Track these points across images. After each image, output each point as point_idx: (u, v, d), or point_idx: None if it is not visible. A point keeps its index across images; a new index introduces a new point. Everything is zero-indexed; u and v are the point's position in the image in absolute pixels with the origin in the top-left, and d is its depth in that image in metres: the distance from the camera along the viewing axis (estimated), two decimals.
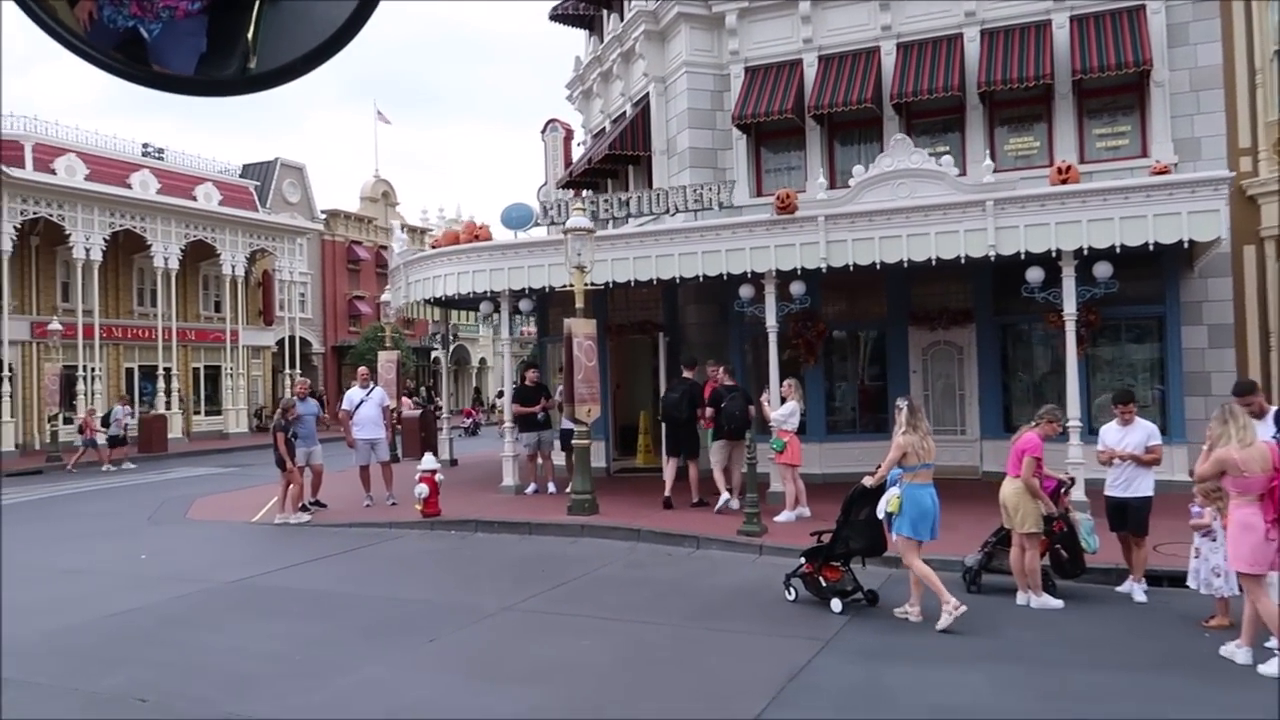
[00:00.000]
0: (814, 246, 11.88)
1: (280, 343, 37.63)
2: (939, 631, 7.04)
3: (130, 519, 14.16)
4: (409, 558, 10.68)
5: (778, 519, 11.22)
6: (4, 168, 24.99)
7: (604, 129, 18.65)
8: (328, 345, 41.27)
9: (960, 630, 7.04)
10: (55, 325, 25.42)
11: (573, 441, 12.19)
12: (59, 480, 20.60)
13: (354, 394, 14.03)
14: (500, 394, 33.96)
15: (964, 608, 7.14)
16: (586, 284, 12.05)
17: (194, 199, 32.09)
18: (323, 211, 40.59)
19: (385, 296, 21.33)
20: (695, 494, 12.56)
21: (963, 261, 11.40)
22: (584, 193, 17.86)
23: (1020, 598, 7.95)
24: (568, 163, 19.94)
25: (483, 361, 51.48)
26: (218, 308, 35.38)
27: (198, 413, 33.29)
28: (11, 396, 25.77)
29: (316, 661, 6.72)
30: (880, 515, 7.74)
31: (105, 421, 23.59)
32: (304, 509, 13.28)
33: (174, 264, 30.53)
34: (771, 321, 12.39)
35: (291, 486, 13.15)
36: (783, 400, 11.85)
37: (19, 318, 27.42)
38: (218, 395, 34.93)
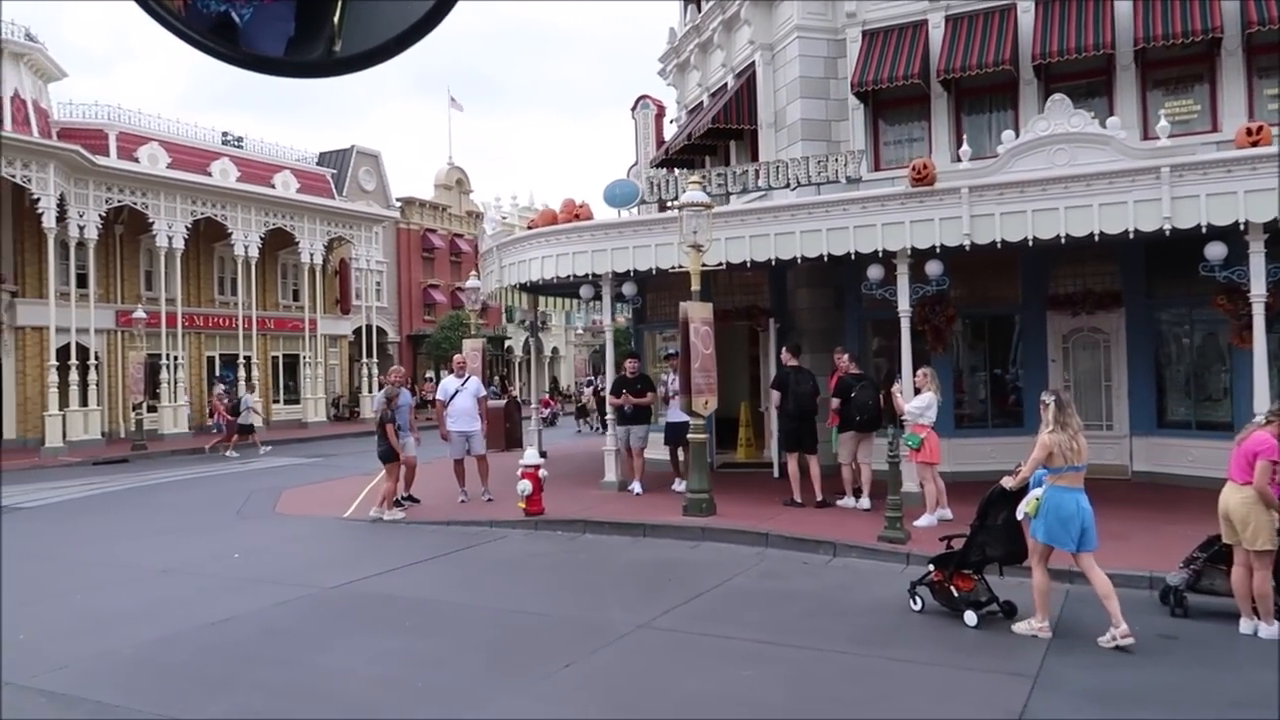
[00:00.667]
0: (955, 222, 10.71)
1: (357, 331, 37.45)
2: (1112, 649, 6.26)
3: (218, 512, 13.62)
4: (517, 561, 9.84)
5: (917, 523, 10.12)
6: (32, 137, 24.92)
7: (701, 103, 17.61)
8: (403, 334, 41.01)
9: (1184, 662, 5.93)
10: (140, 313, 25.32)
11: (688, 436, 11.22)
12: (145, 469, 20.36)
13: (449, 383, 13.26)
14: (588, 384, 33.29)
15: (1048, 632, 6.66)
16: (702, 265, 11.08)
17: (272, 186, 31.94)
18: (397, 199, 40.28)
19: (471, 282, 20.62)
20: (819, 493, 11.53)
21: (1131, 236, 10.14)
22: (678, 172, 16.87)
23: (1245, 625, 6.76)
24: (660, 141, 18.96)
25: (555, 351, 50.91)
26: (296, 296, 35.27)
27: (276, 401, 33.19)
28: (98, 385, 25.78)
29: (441, 690, 5.88)
30: (1019, 517, 6.87)
31: (235, 410, 23.94)
32: (398, 504, 12.59)
33: (254, 252, 30.36)
34: (905, 305, 11.27)
35: (387, 482, 12.50)
36: (916, 391, 10.73)
37: (104, 306, 27.48)
38: (296, 384, 34.86)
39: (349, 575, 9.07)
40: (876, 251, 11.18)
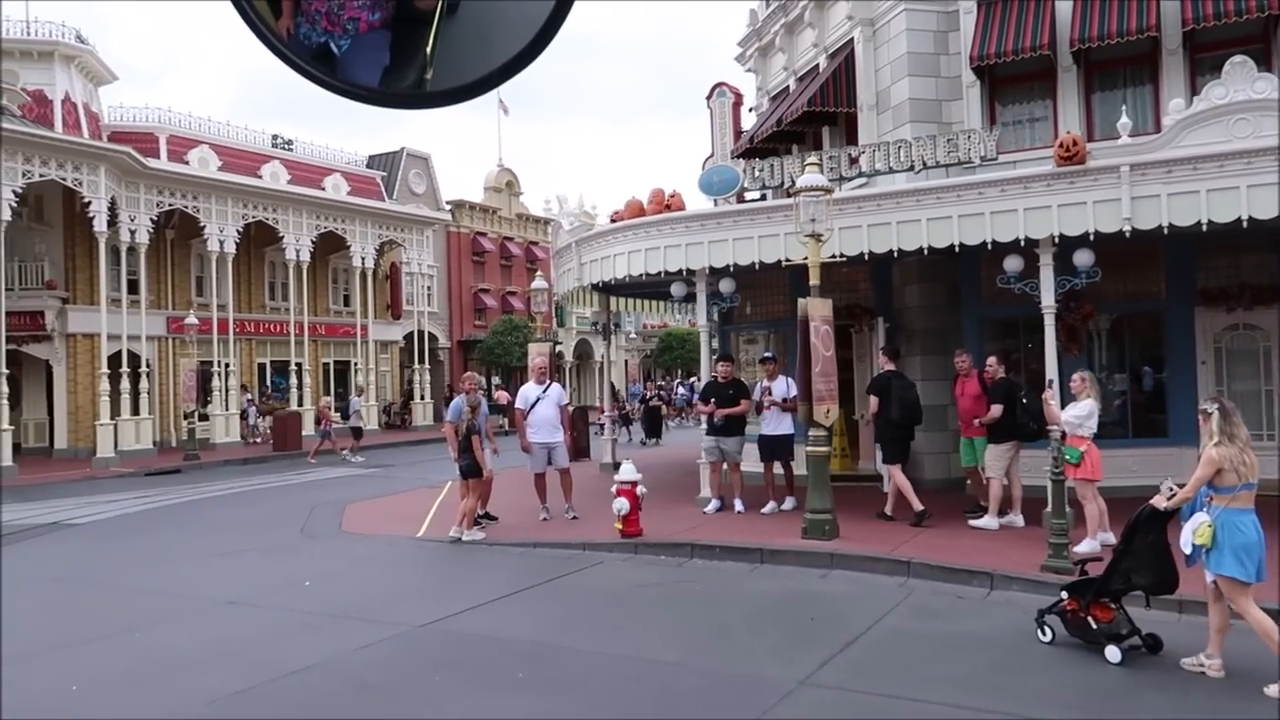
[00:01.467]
0: (1113, 205, 9.40)
1: (407, 337, 36.65)
2: None
3: (281, 530, 12.64)
4: (624, 593, 8.68)
5: (1078, 549, 8.79)
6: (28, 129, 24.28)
7: (787, 88, 16.40)
8: (453, 340, 40.16)
9: None
10: (192, 319, 24.62)
11: (809, 449, 9.99)
12: (198, 480, 19.53)
13: (529, 390, 12.17)
14: (654, 390, 32.05)
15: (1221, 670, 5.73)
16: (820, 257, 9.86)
17: (323, 189, 31.20)
18: (446, 203, 39.45)
19: (537, 283, 19.56)
20: (890, 506, 10.66)
21: None
22: (757, 162, 15.66)
23: None
24: (737, 131, 17.77)
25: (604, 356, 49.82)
26: (346, 301, 34.56)
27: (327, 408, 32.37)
28: (149, 393, 25.10)
29: None
30: (1185, 549, 5.84)
31: (345, 414, 24.48)
32: (477, 523, 11.53)
33: (305, 256, 29.62)
34: (1049, 300, 9.97)
35: (466, 497, 11.46)
36: (1072, 398, 9.43)
37: (155, 313, 26.85)
38: (346, 391, 34.06)
39: (438, 610, 7.96)
40: (1017, 240, 9.90)
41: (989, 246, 10.09)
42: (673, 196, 12.00)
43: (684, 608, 8.16)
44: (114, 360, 23.85)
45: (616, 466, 19.98)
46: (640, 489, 10.24)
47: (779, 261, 10.96)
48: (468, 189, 41.65)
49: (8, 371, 20.98)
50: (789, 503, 11.58)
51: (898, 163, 11.02)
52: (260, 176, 29.34)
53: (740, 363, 14.69)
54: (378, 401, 33.30)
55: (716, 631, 7.31)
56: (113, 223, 23.99)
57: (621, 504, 10.05)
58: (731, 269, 11.37)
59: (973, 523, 10.30)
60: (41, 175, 22.06)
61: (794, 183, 10.64)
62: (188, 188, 26.31)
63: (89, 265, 25.41)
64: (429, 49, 1.23)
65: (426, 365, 35.18)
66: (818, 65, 15.24)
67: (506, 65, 1.25)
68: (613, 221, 12.88)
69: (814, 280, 9.84)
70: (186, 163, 27.35)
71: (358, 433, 24.28)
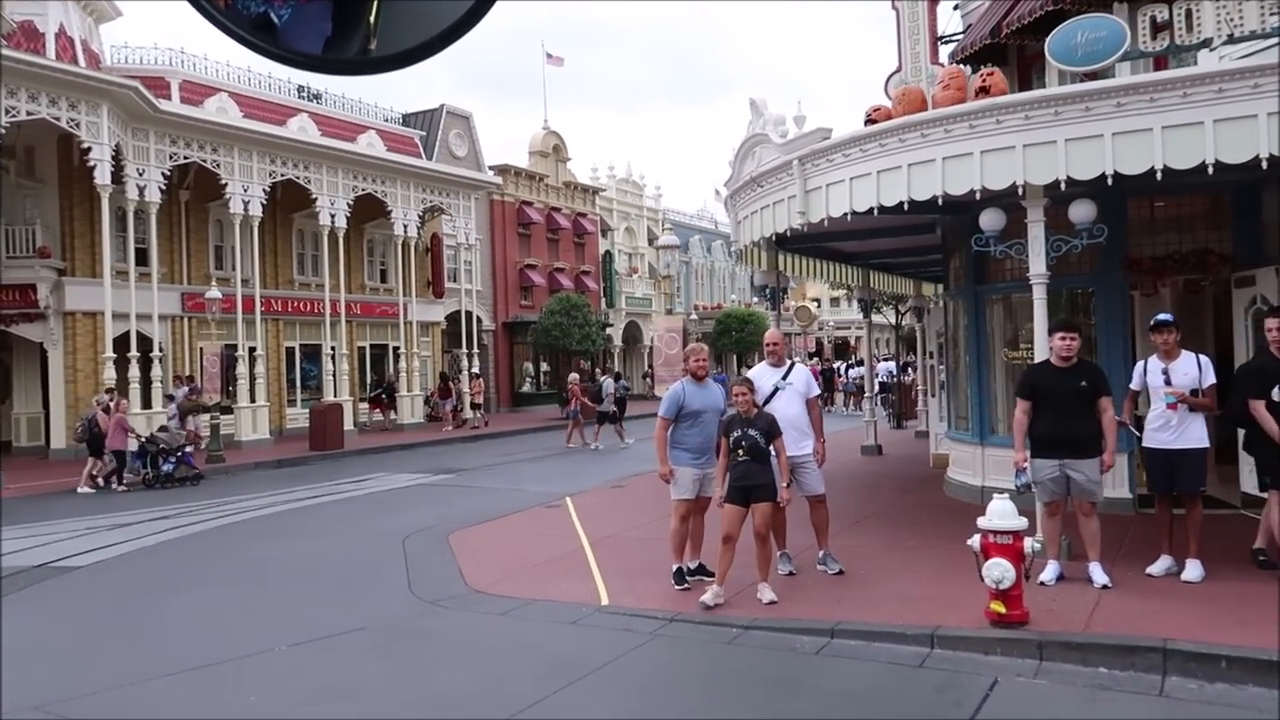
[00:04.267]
0: None
1: (450, 318, 32.51)
2: None
3: (378, 587, 8.46)
4: None
5: None
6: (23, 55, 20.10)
7: None
8: (498, 321, 35.94)
9: None
10: (214, 293, 20.44)
11: None
12: (225, 490, 15.36)
13: (761, 374, 7.98)
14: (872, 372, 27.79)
15: None
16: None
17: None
18: (489, 167, 35.15)
19: (665, 239, 15.11)
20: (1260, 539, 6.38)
21: None
22: (970, 69, 11.38)
23: None
24: (934, 38, 13.44)
25: (654, 340, 45.57)
26: (384, 277, 30.38)
27: (363, 400, 28.25)
28: (162, 381, 20.94)
29: None
30: None
31: (598, 397, 22.36)
32: (691, 578, 7.46)
33: (341, 221, 25.39)
34: None
35: (675, 529, 7.39)
36: None
37: (168, 288, 22.65)
38: (383, 379, 29.94)
39: None
40: None
41: None
42: (990, 74, 7.75)
43: None
44: (120, 343, 19.74)
45: (878, 450, 15.88)
46: (1030, 544, 6.01)
47: (1199, 167, 6.72)
48: (508, 154, 37.49)
49: None
50: (1194, 570, 7.00)
51: None
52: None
53: (1012, 340, 10.46)
54: (422, 391, 29.10)
55: None
56: (118, 178, 19.80)
57: (1002, 571, 5.83)
58: (1109, 178, 7.08)
59: None
60: (30, 113, 17.87)
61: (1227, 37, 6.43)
62: (206, 137, 22.06)
63: (90, 230, 21.25)
64: (372, 17, 1.24)
65: (475, 350, 31.00)
66: None
67: (447, 31, 1.25)
68: (872, 123, 8.62)
69: None
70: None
71: (606, 418, 21.85)
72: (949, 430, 11.87)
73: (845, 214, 8.59)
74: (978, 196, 7.61)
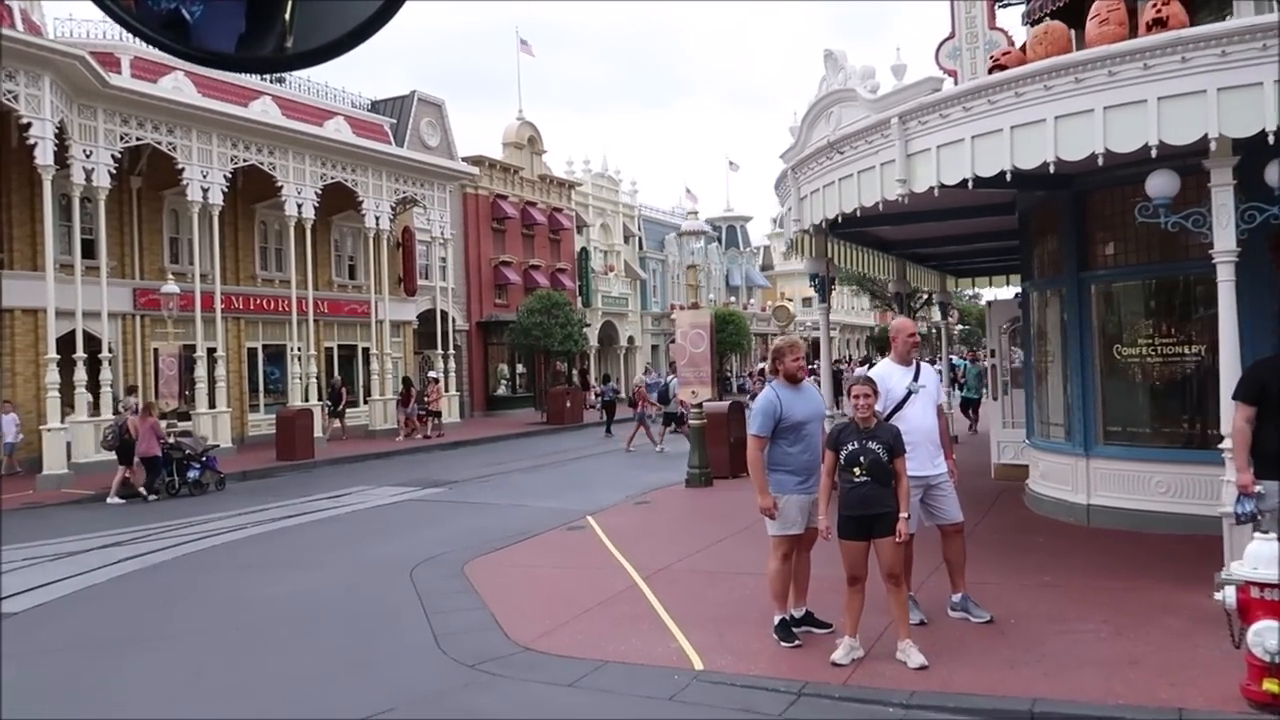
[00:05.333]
0: None
1: (422, 317, 30.65)
2: None
3: (395, 639, 6.79)
4: None
5: None
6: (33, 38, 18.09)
7: None
8: (472, 321, 34.11)
9: None
10: (171, 288, 18.49)
11: None
12: (186, 508, 13.48)
13: (888, 373, 6.42)
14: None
15: None
16: None
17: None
18: (463, 159, 33.31)
19: (689, 224, 13.57)
20: None
21: None
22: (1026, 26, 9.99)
23: None
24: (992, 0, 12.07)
25: (630, 341, 44.05)
26: (352, 273, 28.45)
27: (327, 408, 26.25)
28: (112, 385, 18.91)
29: None
30: None
31: (664, 397, 20.91)
32: (789, 629, 5.93)
33: (308, 212, 23.46)
34: None
35: (776, 571, 5.84)
36: None
37: (118, 283, 20.62)
38: (353, 383, 28.06)
39: None
40: None
41: None
42: (1165, 3, 6.30)
43: None
44: (65, 343, 17.70)
45: None
46: None
47: None
48: (481, 146, 35.63)
49: None
50: None
51: None
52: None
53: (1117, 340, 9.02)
54: (394, 394, 27.24)
55: None
56: (62, 160, 17.77)
57: (1273, 634, 4.36)
58: None
59: None
60: None
61: None
62: (161, 117, 20.05)
63: (30, 218, 19.15)
64: (288, 15, 1.22)
65: (450, 351, 29.19)
66: None
67: (361, 26, 1.24)
68: (998, 69, 7.12)
69: None
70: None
71: (673, 419, 20.35)
72: (1031, 438, 10.44)
73: (966, 180, 7.09)
74: (1153, 154, 6.13)
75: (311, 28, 1.24)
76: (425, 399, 25.70)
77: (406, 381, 26.75)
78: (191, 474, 15.62)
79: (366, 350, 27.88)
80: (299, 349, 24.05)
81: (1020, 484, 10.93)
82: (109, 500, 14.75)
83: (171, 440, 15.94)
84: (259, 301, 24.82)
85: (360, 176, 25.26)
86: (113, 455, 15.76)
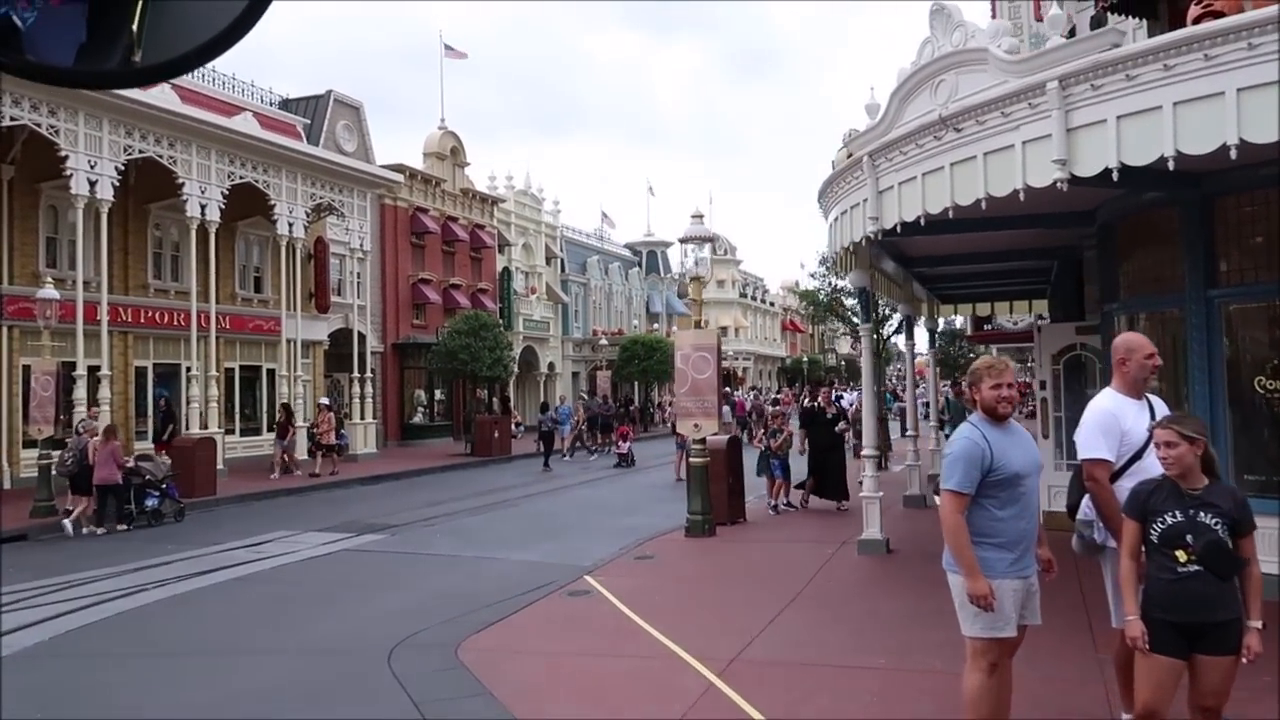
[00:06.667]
0: None
1: (335, 336, 27.95)
2: None
3: None
4: None
5: None
6: None
7: None
8: (387, 342, 31.45)
9: None
10: (49, 293, 15.58)
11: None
12: (63, 563, 10.81)
13: (1121, 409, 4.65)
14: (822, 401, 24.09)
15: None
16: None
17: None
18: (382, 166, 30.79)
19: (694, 229, 11.68)
20: None
21: None
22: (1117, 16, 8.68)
23: None
24: None
25: (551, 367, 41.90)
26: (258, 286, 25.58)
27: (230, 432, 23.33)
28: None
29: None
30: None
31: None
32: None
33: (213, 214, 20.71)
34: None
35: (980, 688, 4.07)
36: None
37: None
38: (256, 408, 25.17)
39: None
40: None
41: None
42: None
43: None
44: None
45: (923, 501, 12.59)
46: None
47: None
48: (399, 155, 32.92)
49: None
50: None
51: None
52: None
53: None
54: (306, 422, 24.42)
55: None
56: None
57: None
58: None
59: None
60: None
61: None
62: (41, 94, 17.12)
63: None
64: (135, 25, 1.11)
65: (369, 375, 26.55)
66: None
67: (217, 38, 1.14)
68: (1209, 17, 5.54)
69: None
70: None
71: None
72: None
73: (1167, 159, 5.47)
74: None
75: (163, 38, 1.12)
76: (314, 431, 21.93)
77: (286, 409, 22.38)
78: (150, 502, 14.35)
79: (272, 372, 25.09)
80: (188, 368, 21.12)
81: (1069, 534, 9.49)
82: (68, 530, 13.37)
83: (131, 464, 14.53)
84: (151, 314, 21.85)
85: (273, 178, 22.60)
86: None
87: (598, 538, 12.40)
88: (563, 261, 43.33)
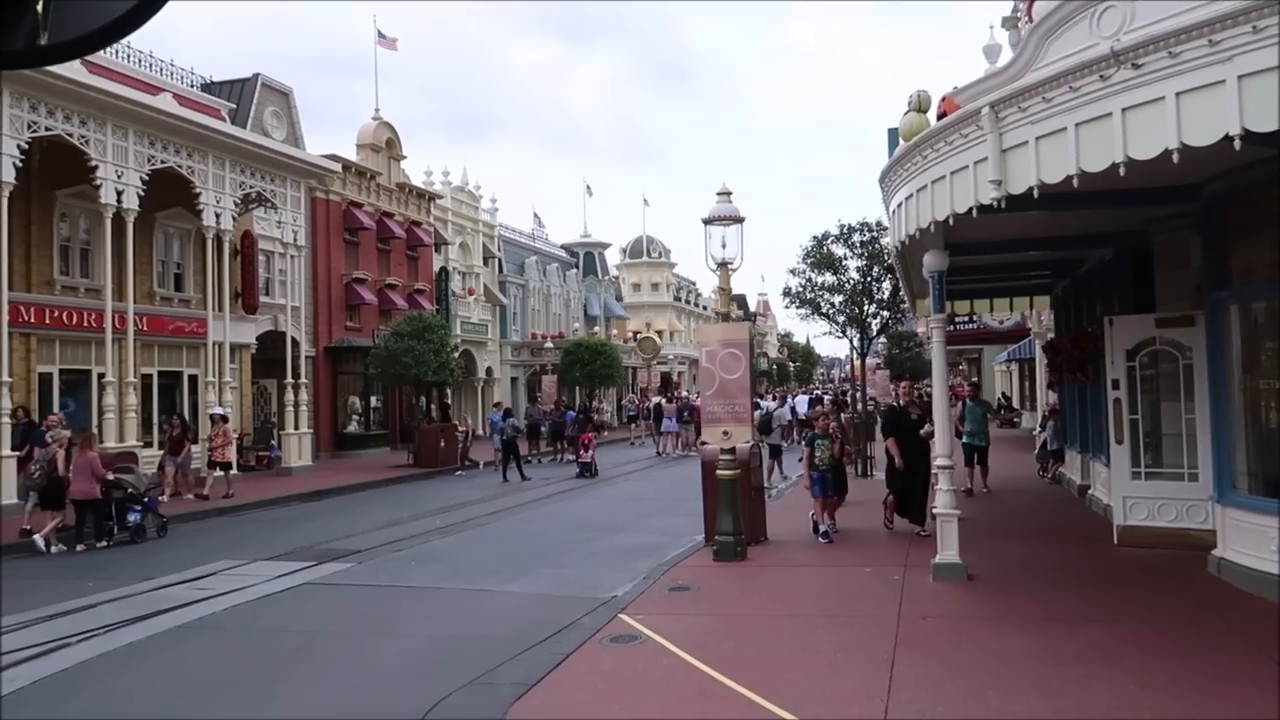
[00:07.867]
0: None
1: (263, 339, 25.71)
2: None
3: None
4: None
5: None
6: None
7: None
8: (319, 345, 29.23)
9: None
10: None
11: None
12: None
13: None
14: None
15: None
16: None
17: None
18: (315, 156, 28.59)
19: (722, 207, 10.15)
20: None
21: None
22: None
23: None
24: None
25: (489, 372, 40.00)
26: (179, 284, 23.24)
27: (149, 444, 20.98)
28: None
29: None
30: None
31: (766, 427, 17.22)
32: None
33: (131, 202, 18.48)
34: None
35: None
36: None
37: None
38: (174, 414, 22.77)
39: None
40: None
41: None
42: None
43: None
44: None
45: (971, 576, 11.06)
46: None
47: None
48: (331, 147, 30.72)
49: None
50: None
51: None
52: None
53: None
54: (236, 433, 22.19)
55: None
56: None
57: None
58: None
59: None
60: None
61: None
62: None
63: None
64: (40, 8, 1.10)
65: (303, 380, 24.38)
66: None
67: (123, 18, 1.12)
68: None
69: None
70: None
71: (778, 451, 17.81)
72: (1221, 493, 7.81)
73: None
74: None
75: (68, 16, 1.11)
76: (213, 445, 18.79)
77: (182, 421, 19.51)
78: (132, 517, 13.32)
79: (195, 378, 22.79)
80: (101, 374, 18.83)
81: (1153, 550, 8.52)
82: (42, 547, 12.28)
83: (111, 476, 13.28)
84: (57, 314, 19.45)
85: (198, 163, 20.40)
86: None
87: (599, 562, 10.90)
88: (501, 262, 41.51)
